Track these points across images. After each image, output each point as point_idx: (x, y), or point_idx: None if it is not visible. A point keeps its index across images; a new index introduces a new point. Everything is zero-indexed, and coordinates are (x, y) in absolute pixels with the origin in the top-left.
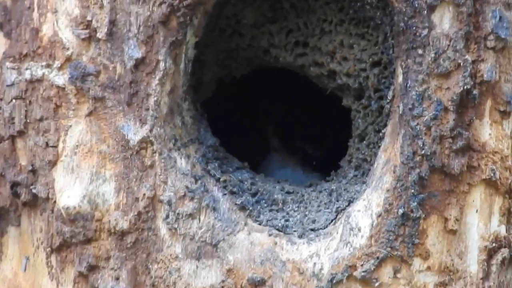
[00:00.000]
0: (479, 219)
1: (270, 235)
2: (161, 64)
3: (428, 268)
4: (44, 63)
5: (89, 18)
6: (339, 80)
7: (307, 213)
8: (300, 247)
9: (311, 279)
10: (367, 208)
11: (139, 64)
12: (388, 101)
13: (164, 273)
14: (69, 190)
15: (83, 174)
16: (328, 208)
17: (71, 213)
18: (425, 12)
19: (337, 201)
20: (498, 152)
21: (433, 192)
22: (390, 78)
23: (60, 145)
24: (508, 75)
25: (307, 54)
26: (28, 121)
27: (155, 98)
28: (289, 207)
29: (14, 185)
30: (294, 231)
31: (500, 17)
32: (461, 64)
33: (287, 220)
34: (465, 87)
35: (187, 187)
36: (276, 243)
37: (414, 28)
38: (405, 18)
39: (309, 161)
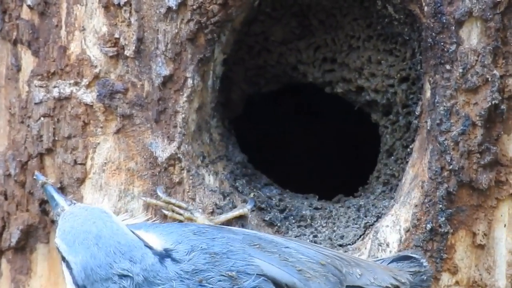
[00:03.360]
0: (507, 233)
1: None
2: (189, 81)
3: (457, 283)
4: (72, 81)
5: (116, 35)
6: (367, 96)
7: (335, 228)
8: None
9: None
10: (395, 223)
11: (167, 81)
12: (416, 116)
13: None
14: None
15: (112, 191)
16: (356, 224)
17: None
18: (453, 27)
19: (365, 216)
20: None
21: (461, 207)
22: (418, 93)
23: (89, 163)
24: None
25: (335, 70)
26: (56, 138)
27: (183, 115)
28: (317, 223)
29: (43, 202)
30: (325, 246)
31: None
32: (489, 79)
33: (315, 236)
34: (493, 102)
35: (215, 204)
36: None
37: (442, 43)
38: (433, 34)
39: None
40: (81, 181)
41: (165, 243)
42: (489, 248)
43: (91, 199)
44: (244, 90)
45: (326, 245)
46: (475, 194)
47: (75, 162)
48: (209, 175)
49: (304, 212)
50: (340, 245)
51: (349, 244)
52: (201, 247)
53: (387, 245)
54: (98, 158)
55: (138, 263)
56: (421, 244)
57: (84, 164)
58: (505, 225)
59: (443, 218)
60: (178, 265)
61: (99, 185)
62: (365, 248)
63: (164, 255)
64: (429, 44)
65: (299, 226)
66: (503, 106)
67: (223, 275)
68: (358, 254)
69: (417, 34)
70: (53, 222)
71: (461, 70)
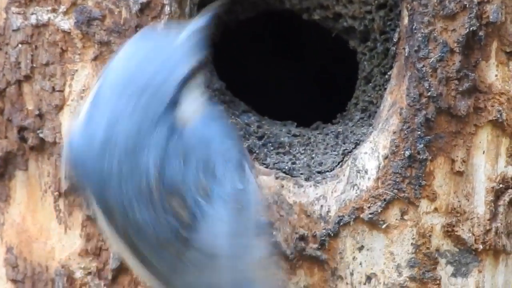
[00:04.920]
0: (486, 160)
1: (277, 178)
2: (167, 8)
3: (435, 209)
4: (49, 8)
5: None
6: (344, 23)
7: (313, 155)
8: (307, 190)
9: (318, 221)
10: (374, 150)
11: (144, 8)
12: (393, 43)
13: None
14: None
15: None
16: (334, 151)
17: None
18: None
19: (344, 143)
20: (504, 93)
21: (440, 134)
22: (395, 20)
23: (67, 90)
24: None
25: None
26: (34, 65)
27: None
28: (295, 150)
29: (21, 129)
30: (301, 174)
31: None
32: (467, 5)
33: (293, 163)
34: (471, 28)
35: None
36: (283, 186)
37: None
38: None
39: None
40: (59, 108)
41: None
42: (468, 175)
43: (69, 126)
44: (221, 17)
45: (304, 172)
46: (453, 121)
47: (53, 89)
48: None
49: (282, 139)
50: (319, 172)
51: (328, 171)
52: None
53: (366, 172)
54: (76, 85)
55: None
56: (400, 171)
57: (62, 91)
58: (483, 152)
59: (422, 145)
60: None
61: (77, 112)
62: (344, 175)
63: None
64: None
65: (277, 153)
66: (481, 33)
67: None
68: (337, 181)
69: None
70: (31, 149)
71: None
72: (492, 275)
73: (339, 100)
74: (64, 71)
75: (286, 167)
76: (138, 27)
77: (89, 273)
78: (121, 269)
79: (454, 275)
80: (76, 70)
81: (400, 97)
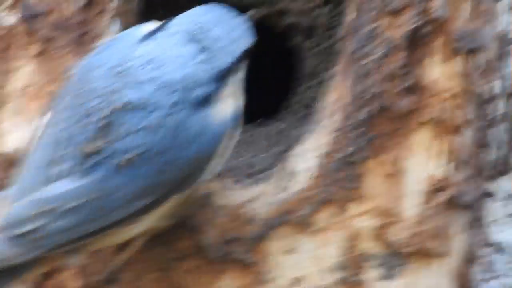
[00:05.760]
0: (420, 161)
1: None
2: (112, 4)
3: (365, 212)
4: None
5: None
6: (289, 19)
7: (244, 157)
8: (236, 193)
9: (247, 224)
10: (305, 152)
11: (89, 3)
12: (338, 39)
13: None
14: (17, 131)
15: (32, 115)
16: (266, 152)
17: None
18: None
19: (275, 145)
20: (448, 90)
21: (380, 132)
22: (340, 16)
23: (9, 86)
24: (458, 13)
25: None
26: None
27: (106, 38)
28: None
29: None
30: (231, 176)
31: None
32: (412, 2)
33: (235, 159)
34: (416, 25)
35: None
36: (211, 188)
37: None
38: None
39: None
40: (0, 104)
41: None
42: (399, 177)
43: (11, 124)
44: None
45: (234, 174)
46: (392, 120)
47: None
48: None
49: None
50: (249, 174)
51: (258, 173)
52: None
53: (296, 174)
54: (18, 81)
55: None
56: (330, 173)
57: (3, 88)
58: (418, 152)
59: (363, 143)
60: None
61: (19, 109)
62: (274, 177)
63: None
64: None
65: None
66: (425, 29)
67: None
68: (267, 183)
69: None
70: None
71: None
72: (421, 278)
73: (283, 97)
74: (7, 68)
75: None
76: (82, 23)
77: None
78: None
79: (382, 278)
80: (19, 67)
81: (343, 93)
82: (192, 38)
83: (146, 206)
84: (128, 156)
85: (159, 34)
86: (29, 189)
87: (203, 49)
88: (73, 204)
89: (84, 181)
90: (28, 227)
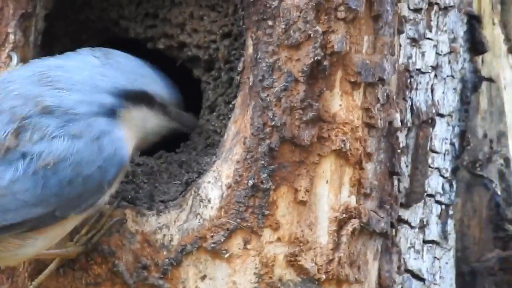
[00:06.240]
0: (329, 190)
1: (119, 207)
2: (11, 37)
3: (278, 239)
4: None
5: None
6: (189, 52)
7: (157, 185)
8: (149, 219)
9: (161, 250)
10: (217, 179)
11: None
12: (238, 72)
13: None
14: None
15: None
16: (178, 180)
17: None
18: None
19: (187, 172)
20: (348, 123)
21: (283, 163)
22: (240, 49)
23: None
24: (358, 46)
25: (157, 25)
26: None
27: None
28: (139, 179)
29: None
30: (144, 203)
31: None
32: (312, 35)
33: (136, 192)
34: (316, 58)
35: None
36: (125, 215)
37: None
38: None
39: None
40: None
41: None
42: (311, 204)
43: None
44: (66, 45)
45: (147, 201)
46: (297, 150)
47: None
48: None
49: None
50: (162, 201)
51: (171, 200)
52: None
53: (209, 201)
54: None
55: None
56: (243, 200)
57: None
58: (327, 181)
59: (265, 174)
60: None
61: None
62: (187, 204)
63: None
64: (252, 0)
65: (120, 182)
66: (325, 63)
67: None
68: (180, 210)
69: None
70: None
71: (283, 26)
72: None
73: None
74: None
75: (129, 196)
76: None
77: None
78: None
79: None
80: None
81: (244, 126)
82: None
83: (45, 215)
84: (45, 161)
85: None
86: None
87: None
88: None
89: None
90: None
